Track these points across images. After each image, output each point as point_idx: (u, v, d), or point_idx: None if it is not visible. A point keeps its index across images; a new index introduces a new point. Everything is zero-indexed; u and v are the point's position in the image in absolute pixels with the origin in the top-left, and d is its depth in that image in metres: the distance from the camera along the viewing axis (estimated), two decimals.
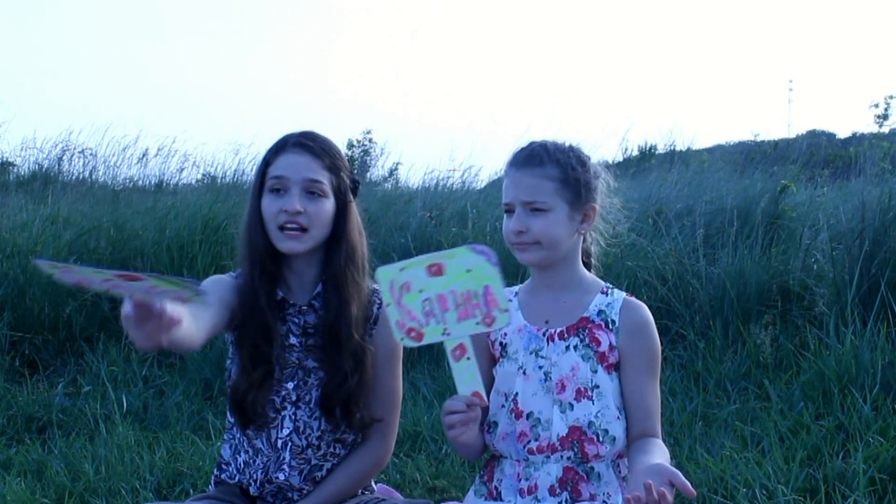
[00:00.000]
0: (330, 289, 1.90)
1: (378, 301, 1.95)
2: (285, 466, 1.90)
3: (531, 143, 1.86)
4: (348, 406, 1.90)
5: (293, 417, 1.91)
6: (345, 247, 1.90)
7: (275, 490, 1.94)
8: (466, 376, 1.65)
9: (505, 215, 1.85)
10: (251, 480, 1.94)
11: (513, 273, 4.63)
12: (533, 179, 1.79)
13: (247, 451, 1.95)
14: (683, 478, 1.52)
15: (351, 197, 1.93)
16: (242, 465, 1.96)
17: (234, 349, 1.95)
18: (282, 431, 1.91)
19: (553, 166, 1.80)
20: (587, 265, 1.92)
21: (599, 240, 1.95)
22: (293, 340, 1.92)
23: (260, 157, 1.95)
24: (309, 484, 1.93)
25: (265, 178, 1.88)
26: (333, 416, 1.90)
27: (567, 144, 1.86)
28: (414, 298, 1.65)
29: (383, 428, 1.98)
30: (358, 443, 1.99)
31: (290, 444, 1.91)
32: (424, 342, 1.67)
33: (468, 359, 1.64)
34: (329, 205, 1.88)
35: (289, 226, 1.84)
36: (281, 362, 1.90)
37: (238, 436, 1.97)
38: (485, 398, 1.67)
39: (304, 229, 1.84)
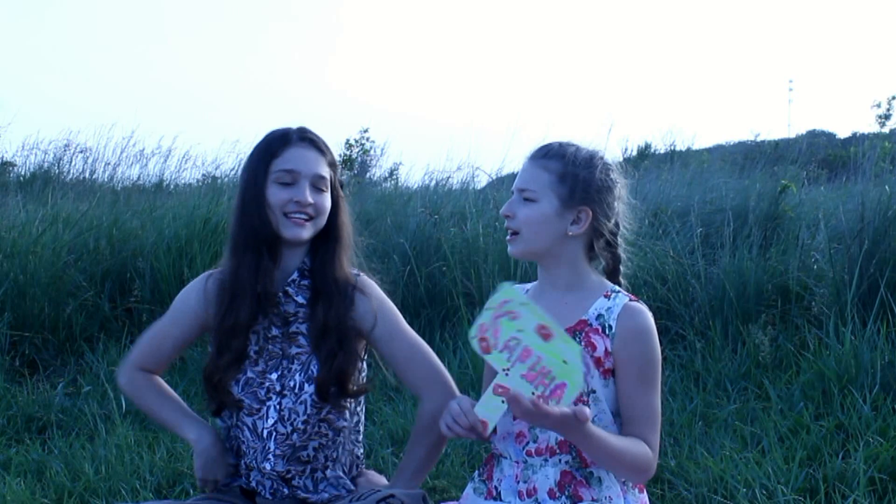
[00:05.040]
0: (318, 277, 1.95)
1: (354, 282, 1.97)
2: (270, 456, 1.94)
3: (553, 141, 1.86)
4: (342, 383, 1.93)
5: (278, 407, 1.93)
6: (339, 237, 1.99)
7: (287, 494, 1.97)
8: (491, 408, 1.66)
9: None
10: (259, 484, 1.98)
11: (506, 265, 4.63)
12: (533, 169, 1.81)
13: (245, 444, 1.97)
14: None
15: (341, 191, 2.03)
16: (245, 465, 1.98)
17: (212, 334, 2.00)
18: (267, 422, 1.94)
19: (556, 160, 1.80)
20: (614, 273, 1.88)
21: (629, 251, 1.91)
22: (275, 332, 1.96)
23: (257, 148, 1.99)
24: (295, 465, 1.94)
25: (270, 168, 1.93)
26: (331, 398, 1.93)
27: (587, 148, 1.84)
28: (509, 327, 1.65)
29: (429, 376, 1.96)
30: (347, 424, 2.01)
31: (274, 433, 1.93)
32: (484, 357, 1.68)
33: (503, 402, 1.64)
34: (329, 198, 1.97)
35: (296, 215, 1.91)
36: (265, 355, 1.95)
37: (230, 437, 1.99)
38: (488, 432, 1.67)
39: (310, 218, 1.93)
